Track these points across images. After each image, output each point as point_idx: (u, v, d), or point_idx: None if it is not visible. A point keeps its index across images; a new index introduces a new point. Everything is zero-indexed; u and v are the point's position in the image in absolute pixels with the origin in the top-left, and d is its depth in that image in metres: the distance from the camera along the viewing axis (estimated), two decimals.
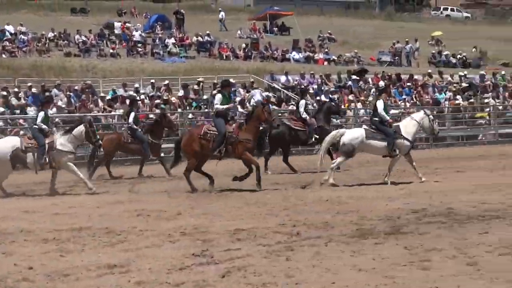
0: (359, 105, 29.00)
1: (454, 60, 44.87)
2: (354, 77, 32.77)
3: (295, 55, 41.24)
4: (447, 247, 8.61)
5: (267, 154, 19.61)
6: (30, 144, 15.77)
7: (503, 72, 37.00)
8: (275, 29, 49.52)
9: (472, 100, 30.86)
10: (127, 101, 24.34)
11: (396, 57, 44.37)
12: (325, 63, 41.19)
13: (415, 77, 33.91)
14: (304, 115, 19.81)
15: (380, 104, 16.09)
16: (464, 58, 45.44)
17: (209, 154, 15.47)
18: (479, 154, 23.56)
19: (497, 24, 74.58)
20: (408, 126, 16.07)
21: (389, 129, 15.81)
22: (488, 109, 30.65)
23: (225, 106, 15.64)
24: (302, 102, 20.27)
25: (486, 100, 31.41)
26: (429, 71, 36.66)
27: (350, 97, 29.56)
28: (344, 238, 9.45)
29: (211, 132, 15.33)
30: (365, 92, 30.51)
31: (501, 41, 57.99)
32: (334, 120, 23.65)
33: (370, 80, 33.26)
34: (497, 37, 60.13)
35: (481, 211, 11.05)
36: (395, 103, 29.64)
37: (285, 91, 31.01)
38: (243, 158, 15.36)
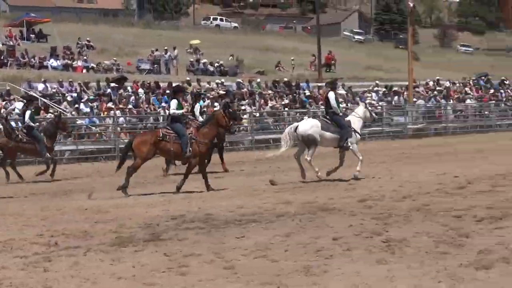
0: (118, 112, 28.81)
1: (211, 68, 46.10)
2: (113, 84, 32.52)
3: (53, 62, 40.20)
4: (205, 252, 8.77)
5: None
6: None
7: (258, 80, 38.71)
8: (32, 36, 47.94)
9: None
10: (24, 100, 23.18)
11: (156, 65, 44.76)
12: (84, 70, 40.59)
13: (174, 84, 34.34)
14: (200, 118, 20.15)
15: (332, 96, 16.40)
16: (221, 66, 46.85)
17: (179, 156, 15.58)
18: (237, 160, 24.31)
19: (253, 33, 77.76)
20: (354, 121, 16.70)
21: (344, 122, 16.35)
22: (245, 116, 31.71)
23: (180, 111, 15.81)
24: (197, 106, 21.03)
25: (243, 107, 32.55)
26: (188, 78, 37.38)
27: (110, 104, 29.33)
28: (104, 247, 9.32)
29: (171, 134, 15.28)
30: (124, 100, 30.41)
31: (256, 50, 60.60)
32: None
33: (129, 88, 33.19)
34: (253, 46, 62.75)
35: (239, 216, 11.36)
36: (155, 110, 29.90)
37: (43, 99, 30.06)
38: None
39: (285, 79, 40.78)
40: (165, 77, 40.09)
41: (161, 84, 34.03)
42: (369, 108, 18.11)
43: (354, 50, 75.19)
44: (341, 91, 17.06)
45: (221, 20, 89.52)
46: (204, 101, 28.50)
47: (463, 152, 22.80)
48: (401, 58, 63.20)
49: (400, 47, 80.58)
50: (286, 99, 34.70)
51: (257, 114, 32.40)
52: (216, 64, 46.81)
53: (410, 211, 11.07)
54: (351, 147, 16.47)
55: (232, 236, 9.75)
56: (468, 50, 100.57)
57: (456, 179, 15.11)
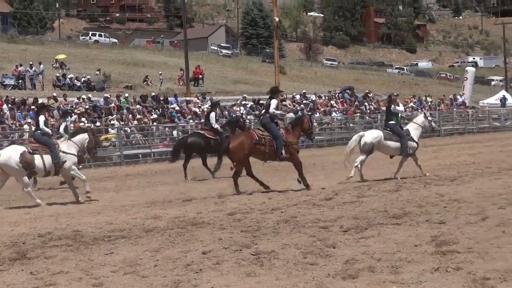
0: None
1: (78, 83, 45.25)
2: None
3: None
4: (73, 270, 8.58)
5: (184, 162, 21.54)
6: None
7: (126, 95, 38.30)
8: None
9: (98, 124, 31.35)
10: None
11: (20, 80, 43.47)
12: None
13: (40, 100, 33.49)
14: (216, 125, 21.79)
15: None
16: (88, 81, 46.07)
17: (274, 158, 16.40)
18: (106, 175, 23.94)
19: (118, 48, 77.01)
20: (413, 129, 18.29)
21: (401, 131, 17.89)
22: (114, 131, 31.26)
23: (278, 112, 16.93)
24: (213, 114, 22.16)
25: (111, 122, 32.12)
26: (54, 94, 36.50)
27: None
28: None
29: (266, 136, 16.16)
30: None
31: (123, 65, 60.02)
32: None
33: None
34: (120, 60, 62.12)
35: (107, 232, 11.19)
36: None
37: None
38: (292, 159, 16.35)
39: (153, 94, 40.61)
40: (31, 93, 38.99)
41: (27, 100, 33.03)
42: (429, 118, 19.30)
43: (221, 64, 75.87)
44: (400, 107, 18.74)
45: (100, 35, 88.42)
46: (71, 116, 28.17)
47: (330, 164, 23.40)
48: (268, 71, 64.52)
49: (267, 60, 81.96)
50: (155, 113, 34.52)
51: (127, 129, 32.03)
52: (83, 79, 45.98)
53: (279, 223, 11.25)
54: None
55: (100, 252, 9.58)
56: (333, 64, 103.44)
57: (323, 191, 15.50)
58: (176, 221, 11.95)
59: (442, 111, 47.16)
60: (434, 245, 8.80)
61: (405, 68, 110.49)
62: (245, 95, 43.24)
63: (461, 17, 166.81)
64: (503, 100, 56.94)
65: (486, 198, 12.73)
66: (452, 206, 12.01)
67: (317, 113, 40.56)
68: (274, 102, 16.64)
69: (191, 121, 34.54)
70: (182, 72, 52.28)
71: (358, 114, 43.13)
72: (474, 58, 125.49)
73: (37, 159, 15.54)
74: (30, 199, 15.70)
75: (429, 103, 49.20)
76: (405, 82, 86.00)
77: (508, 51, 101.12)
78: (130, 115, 33.56)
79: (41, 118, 16.27)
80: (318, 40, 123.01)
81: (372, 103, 47.07)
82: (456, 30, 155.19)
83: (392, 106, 18.25)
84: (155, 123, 33.16)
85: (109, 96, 36.94)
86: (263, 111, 17.49)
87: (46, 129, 16.22)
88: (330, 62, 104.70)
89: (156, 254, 9.26)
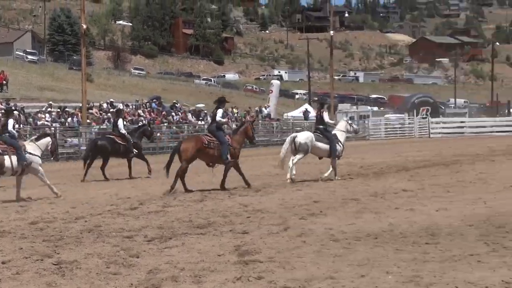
0: None
1: None
2: None
3: None
4: None
5: (90, 162, 22.84)
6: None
7: None
8: None
9: None
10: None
11: None
12: None
13: None
14: (123, 131, 23.31)
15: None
16: None
17: (219, 161, 17.54)
18: None
19: None
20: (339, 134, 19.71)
21: (331, 135, 19.32)
22: None
23: (224, 120, 18.52)
24: (120, 121, 23.72)
25: None
26: None
27: None
28: None
29: (215, 141, 17.41)
30: None
31: None
32: None
33: None
34: None
35: None
36: None
37: None
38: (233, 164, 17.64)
39: None
40: None
41: None
42: (349, 122, 21.01)
43: (27, 70, 73.39)
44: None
45: None
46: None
47: (137, 172, 23.26)
48: (75, 79, 63.18)
49: (74, 68, 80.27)
50: None
51: None
52: None
53: (82, 232, 11.01)
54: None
55: None
56: (141, 73, 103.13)
57: (129, 200, 15.38)
58: None
59: None
60: (237, 254, 8.97)
61: (212, 79, 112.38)
62: (50, 102, 42.02)
63: (267, 31, 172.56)
64: (306, 113, 59.46)
65: (288, 208, 13.16)
66: (255, 216, 12.30)
67: (125, 122, 40.09)
68: (220, 111, 17.89)
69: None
70: None
71: (165, 124, 43.23)
72: (279, 72, 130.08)
73: (7, 160, 16.36)
74: None
75: (236, 115, 50.28)
76: (213, 93, 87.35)
77: (312, 66, 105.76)
78: None
79: (10, 122, 17.10)
80: (126, 49, 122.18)
81: (179, 113, 47.39)
82: (262, 44, 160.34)
83: (325, 113, 19.68)
84: None
85: None
86: (210, 120, 19.15)
87: (14, 131, 17.08)
88: (138, 71, 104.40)
89: None
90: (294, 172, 18.59)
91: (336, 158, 19.41)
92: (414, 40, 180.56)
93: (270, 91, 60.20)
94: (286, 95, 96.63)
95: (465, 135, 51.18)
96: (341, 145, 19.59)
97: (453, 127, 55.35)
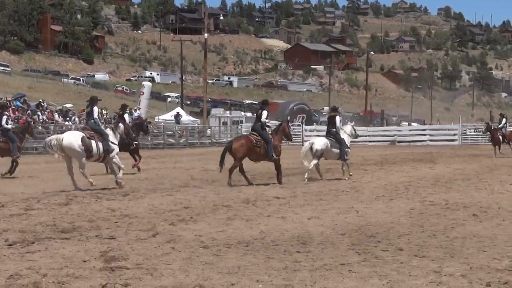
0: None
1: None
2: None
3: None
4: None
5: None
6: None
7: None
8: None
9: None
10: None
11: None
12: None
13: None
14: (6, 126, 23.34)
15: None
16: None
17: (265, 159, 20.02)
18: None
19: None
20: (346, 138, 22.09)
21: (342, 139, 21.67)
22: None
23: (267, 120, 20.22)
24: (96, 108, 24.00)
25: None
26: None
27: None
28: None
29: (260, 140, 19.70)
30: None
31: None
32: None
33: None
34: None
35: None
36: None
37: None
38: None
39: None
40: None
41: None
42: (354, 127, 23.17)
43: None
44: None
45: None
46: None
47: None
48: None
49: None
50: None
51: None
52: None
53: None
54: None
55: None
56: (5, 70, 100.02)
57: None
58: None
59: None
60: (103, 260, 8.83)
61: (81, 78, 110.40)
62: None
63: (140, 31, 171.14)
64: (178, 117, 59.40)
65: (158, 214, 13.09)
66: (123, 221, 12.15)
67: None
68: (265, 113, 19.97)
69: None
70: None
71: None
72: (151, 73, 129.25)
73: (94, 145, 17.97)
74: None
75: (105, 116, 49.54)
76: (81, 93, 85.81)
77: (185, 69, 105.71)
78: None
79: (95, 109, 18.69)
80: None
81: (46, 112, 46.21)
82: (134, 44, 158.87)
83: (337, 117, 21.97)
84: None
85: None
86: (255, 119, 21.19)
87: (98, 119, 18.69)
88: (2, 68, 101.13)
89: None
90: (306, 176, 20.61)
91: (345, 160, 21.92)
92: (289, 46, 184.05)
93: (141, 93, 59.48)
94: (157, 97, 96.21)
95: None
96: (349, 148, 22.17)
97: None
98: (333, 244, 10.04)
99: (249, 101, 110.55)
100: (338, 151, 21.60)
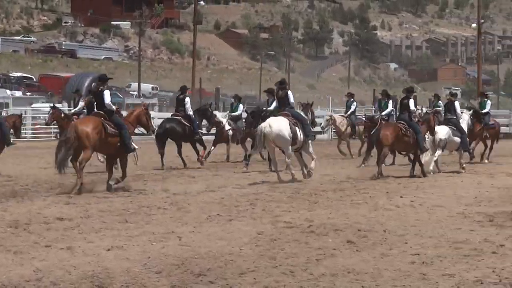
0: None
1: None
2: None
3: None
4: None
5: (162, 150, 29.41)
6: None
7: None
8: None
9: None
10: None
11: None
12: None
13: None
14: (190, 111, 30.04)
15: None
16: None
17: (412, 150, 25.73)
18: None
19: None
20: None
21: (462, 128, 28.54)
22: None
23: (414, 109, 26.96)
24: (188, 99, 30.35)
25: None
26: None
27: None
28: None
29: (409, 129, 25.05)
30: None
31: None
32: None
33: None
34: None
35: None
36: None
37: None
38: None
39: None
40: None
41: None
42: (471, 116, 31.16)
43: None
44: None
45: None
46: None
47: None
48: None
49: None
50: None
51: None
52: None
53: None
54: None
55: None
56: None
57: None
58: None
59: None
60: None
61: None
62: None
63: None
64: None
65: None
66: None
67: None
68: (412, 102, 25.79)
69: None
70: None
71: None
72: None
73: (298, 132, 23.32)
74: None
75: None
76: None
77: None
78: None
79: (290, 95, 23.94)
80: None
81: None
82: None
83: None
84: None
85: None
86: (399, 108, 26.90)
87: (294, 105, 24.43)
88: None
89: None
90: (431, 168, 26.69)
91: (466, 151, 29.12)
92: None
93: None
94: None
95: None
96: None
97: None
98: (145, 287, 10.08)
99: (20, 74, 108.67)
100: (459, 140, 27.93)
